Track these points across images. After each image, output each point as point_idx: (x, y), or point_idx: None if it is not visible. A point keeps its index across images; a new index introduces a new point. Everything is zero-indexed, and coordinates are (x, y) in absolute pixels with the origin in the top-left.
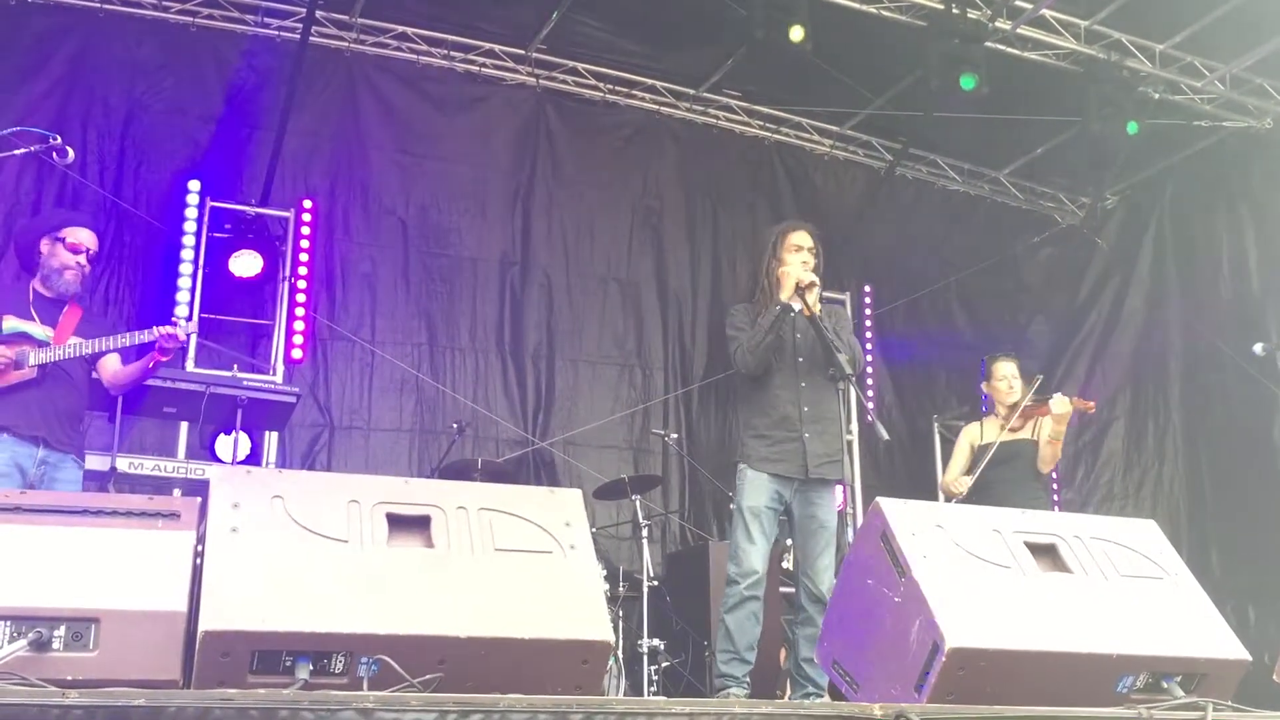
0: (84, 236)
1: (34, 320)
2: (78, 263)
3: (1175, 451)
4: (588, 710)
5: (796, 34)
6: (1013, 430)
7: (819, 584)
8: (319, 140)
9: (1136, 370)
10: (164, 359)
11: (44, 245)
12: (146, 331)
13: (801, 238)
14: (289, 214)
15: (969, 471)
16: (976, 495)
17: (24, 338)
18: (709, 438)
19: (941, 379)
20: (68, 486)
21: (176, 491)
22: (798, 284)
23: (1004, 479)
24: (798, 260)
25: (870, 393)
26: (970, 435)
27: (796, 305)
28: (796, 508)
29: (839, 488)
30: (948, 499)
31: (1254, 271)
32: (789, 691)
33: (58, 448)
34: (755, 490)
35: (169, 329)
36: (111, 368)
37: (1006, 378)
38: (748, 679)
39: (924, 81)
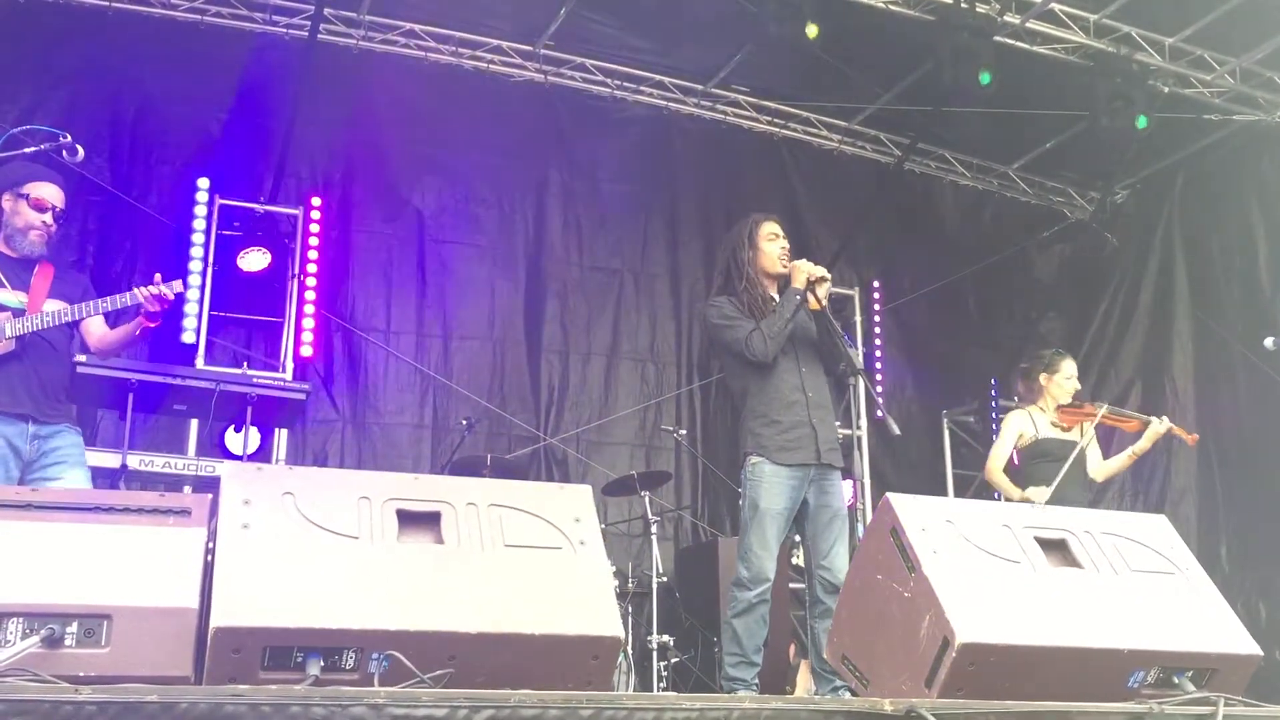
0: (49, 193)
1: (4, 286)
2: (43, 222)
3: (1186, 447)
4: (598, 705)
5: (812, 31)
6: (1064, 429)
7: (838, 574)
8: (328, 137)
9: (1147, 365)
10: (152, 324)
11: (5, 201)
12: (129, 294)
13: (775, 226)
14: (298, 211)
15: (1031, 474)
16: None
17: None
18: (722, 433)
19: (951, 374)
20: (71, 451)
21: (187, 488)
22: (809, 276)
23: (1047, 474)
24: (777, 248)
25: (880, 388)
26: (1020, 424)
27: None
28: (812, 498)
29: (848, 481)
30: (991, 488)
31: (1263, 265)
32: (811, 688)
33: (47, 421)
34: (775, 490)
35: (153, 290)
36: (97, 332)
37: (1073, 376)
38: (756, 681)
39: (933, 76)
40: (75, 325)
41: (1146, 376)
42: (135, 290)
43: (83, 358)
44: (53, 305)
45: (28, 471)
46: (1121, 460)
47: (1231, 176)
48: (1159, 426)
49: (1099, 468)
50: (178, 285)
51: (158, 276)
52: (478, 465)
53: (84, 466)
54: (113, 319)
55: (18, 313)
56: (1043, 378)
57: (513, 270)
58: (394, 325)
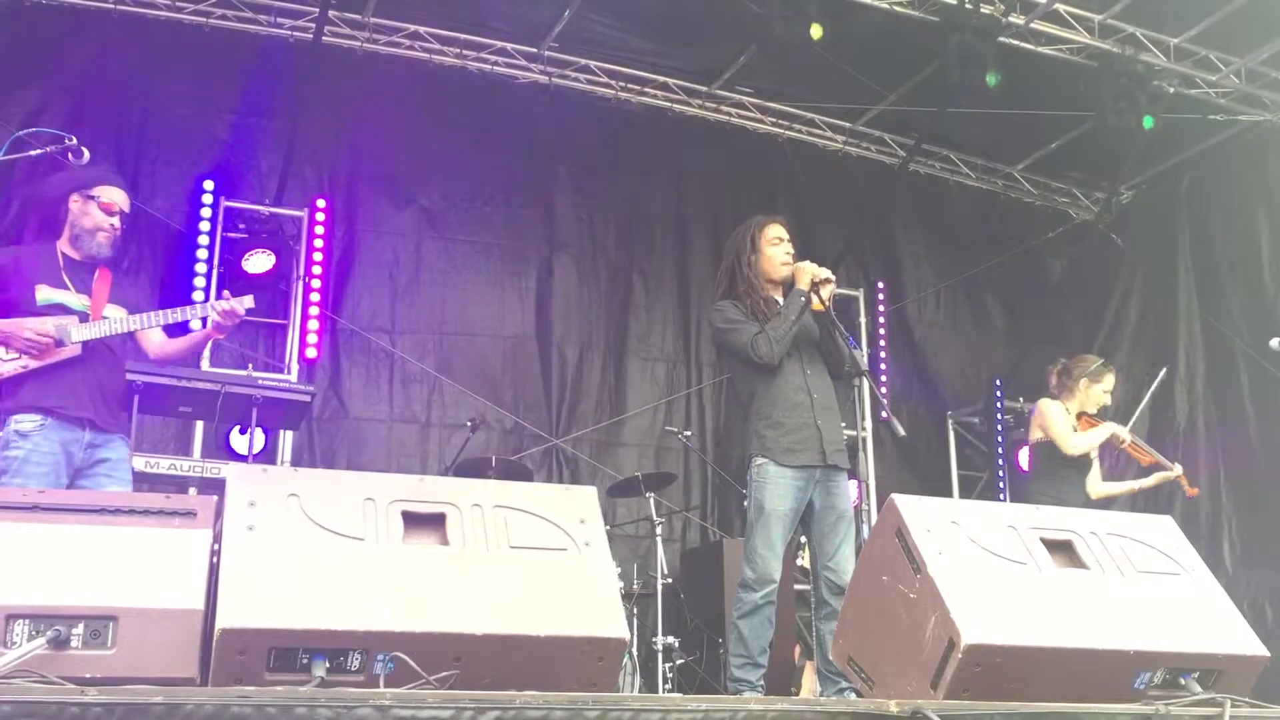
0: (117, 196)
1: (68, 288)
2: (111, 224)
3: (1192, 448)
4: (603, 707)
5: (817, 32)
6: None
7: (844, 575)
8: (333, 139)
9: (1153, 367)
10: (221, 335)
11: (73, 203)
12: (198, 307)
13: (780, 230)
14: (303, 213)
15: (1050, 473)
16: (1039, 488)
17: (60, 309)
18: (733, 432)
19: (956, 375)
20: (119, 466)
21: (192, 490)
22: (813, 278)
23: (1068, 481)
24: (781, 252)
25: (884, 389)
26: (1061, 412)
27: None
28: (818, 499)
29: (853, 482)
30: (1069, 455)
31: (1266, 265)
32: (817, 689)
33: (104, 429)
34: (780, 491)
35: (225, 305)
36: (156, 340)
37: (1110, 390)
38: (762, 682)
39: (937, 77)
40: (132, 333)
41: (1153, 378)
42: (209, 303)
43: None
44: (113, 311)
45: (76, 477)
46: (1123, 489)
47: (1237, 177)
48: (1169, 473)
49: (1098, 487)
50: (249, 301)
51: (226, 293)
52: (483, 467)
53: (129, 484)
54: (170, 328)
55: (83, 317)
56: (1084, 382)
57: (520, 269)
58: (400, 325)
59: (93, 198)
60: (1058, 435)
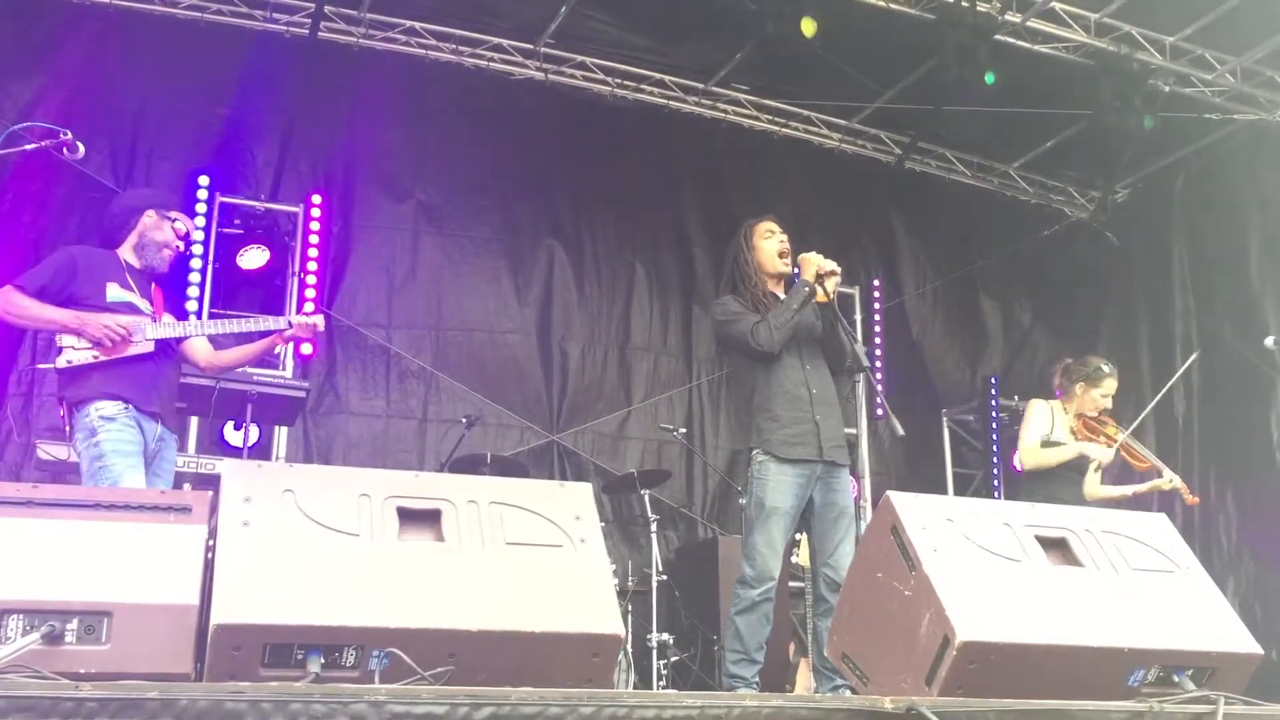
0: (189, 223)
1: (134, 291)
2: (178, 245)
3: (1186, 446)
4: (598, 703)
5: (809, 28)
6: (1075, 439)
7: (843, 572)
8: (328, 135)
9: (1153, 365)
10: (286, 343)
11: (148, 216)
12: (273, 319)
13: (770, 224)
14: (298, 209)
15: (1034, 475)
16: (1032, 486)
17: (129, 307)
18: (732, 429)
19: (951, 373)
20: (168, 467)
21: (187, 485)
22: (818, 269)
23: (1062, 479)
24: (775, 244)
25: (880, 387)
26: (1044, 414)
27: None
28: (818, 496)
29: (853, 478)
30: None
31: (1254, 263)
32: (811, 685)
33: (169, 428)
34: (781, 488)
35: (307, 319)
36: (205, 350)
37: (1110, 395)
38: (757, 679)
39: (933, 74)
40: (178, 344)
41: (1152, 378)
42: (287, 317)
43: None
44: (168, 320)
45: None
46: (1118, 493)
47: (1231, 176)
48: (1164, 483)
49: (1094, 490)
50: (320, 320)
51: (309, 308)
52: (477, 464)
53: (170, 486)
54: (217, 340)
55: (151, 318)
56: (1079, 386)
57: (517, 264)
58: (396, 321)
59: (169, 218)
60: (1020, 437)
